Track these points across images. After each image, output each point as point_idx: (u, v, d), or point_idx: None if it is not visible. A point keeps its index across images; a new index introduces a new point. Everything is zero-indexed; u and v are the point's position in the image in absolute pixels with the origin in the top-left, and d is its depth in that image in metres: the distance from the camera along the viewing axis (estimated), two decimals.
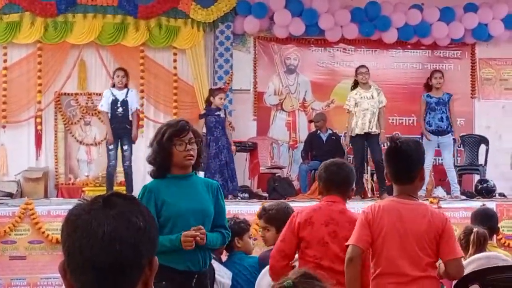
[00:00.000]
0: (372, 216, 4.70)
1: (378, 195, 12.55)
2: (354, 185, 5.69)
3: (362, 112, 12.41)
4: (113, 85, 12.38)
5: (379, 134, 12.44)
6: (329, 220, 5.18)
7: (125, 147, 12.24)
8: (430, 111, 12.84)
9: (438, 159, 13.46)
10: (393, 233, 4.64)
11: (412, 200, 4.76)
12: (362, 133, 12.41)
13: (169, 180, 5.28)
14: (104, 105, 12.29)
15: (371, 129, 12.37)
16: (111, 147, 12.21)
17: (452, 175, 12.88)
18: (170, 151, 5.22)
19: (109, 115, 12.21)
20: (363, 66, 12.90)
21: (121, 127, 12.19)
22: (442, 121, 12.78)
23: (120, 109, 12.15)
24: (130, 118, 12.31)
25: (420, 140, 13.19)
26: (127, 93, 12.28)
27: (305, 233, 5.18)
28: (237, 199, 12.05)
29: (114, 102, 12.17)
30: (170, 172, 5.29)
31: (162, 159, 5.27)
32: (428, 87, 13.03)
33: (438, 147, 12.97)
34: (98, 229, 2.02)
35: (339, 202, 5.31)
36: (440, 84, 12.92)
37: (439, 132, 12.79)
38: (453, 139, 12.94)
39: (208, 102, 12.64)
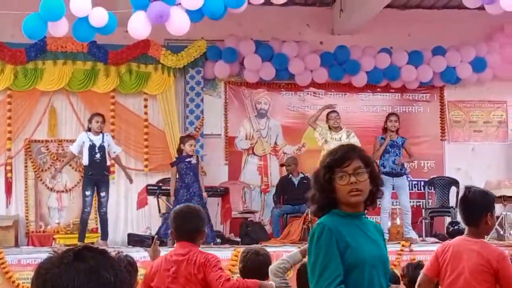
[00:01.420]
0: (442, 250, 5.54)
1: None
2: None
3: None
4: (89, 130, 12.28)
5: None
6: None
7: (103, 194, 12.18)
8: (384, 153, 12.89)
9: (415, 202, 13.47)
10: (452, 264, 5.39)
11: (476, 239, 5.43)
12: None
13: (342, 218, 4.03)
14: (74, 146, 12.26)
15: None
16: (87, 193, 12.09)
17: (408, 216, 12.89)
18: (331, 186, 4.00)
19: (87, 162, 12.09)
20: (333, 111, 12.98)
21: (100, 173, 12.15)
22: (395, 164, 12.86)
23: (98, 155, 12.09)
24: (108, 164, 12.30)
25: None
26: (103, 138, 12.22)
27: (154, 283, 5.67)
28: (210, 245, 11.98)
29: (92, 147, 12.07)
30: (338, 208, 4.04)
31: (323, 196, 4.05)
32: (384, 130, 13.14)
33: (393, 189, 12.97)
34: (68, 284, 2.00)
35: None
36: (395, 127, 12.97)
37: (393, 174, 12.81)
38: (408, 179, 12.97)
39: (179, 150, 12.58)
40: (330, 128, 12.86)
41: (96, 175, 12.12)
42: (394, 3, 14.67)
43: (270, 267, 5.79)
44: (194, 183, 12.22)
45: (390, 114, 13.38)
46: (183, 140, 12.63)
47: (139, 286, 5.99)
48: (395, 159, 12.80)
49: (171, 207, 12.43)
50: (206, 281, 5.51)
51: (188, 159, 12.31)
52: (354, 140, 12.56)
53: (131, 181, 12.81)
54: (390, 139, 12.87)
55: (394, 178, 12.78)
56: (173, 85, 14.46)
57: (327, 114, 12.95)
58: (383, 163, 12.85)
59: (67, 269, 2.02)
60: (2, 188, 13.91)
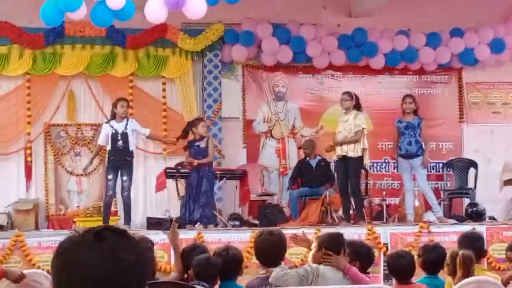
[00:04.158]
0: None
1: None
2: None
3: (334, 136, 12.46)
4: (114, 117, 12.12)
5: (357, 157, 12.34)
6: None
7: (125, 178, 12.06)
8: (400, 136, 12.77)
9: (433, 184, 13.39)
10: None
11: None
12: (337, 157, 12.37)
13: None
14: (101, 139, 12.18)
15: (346, 152, 12.28)
16: (110, 176, 12.03)
17: (430, 196, 12.76)
18: None
19: (109, 147, 12.05)
20: (343, 92, 12.81)
21: (121, 159, 11.99)
22: (411, 145, 12.63)
23: (120, 142, 11.94)
24: (132, 149, 12.14)
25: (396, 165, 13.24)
26: (126, 125, 12.14)
27: None
28: (227, 227, 12.04)
29: (114, 135, 11.93)
30: None
31: None
32: (403, 112, 12.96)
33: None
34: (88, 264, 2.01)
35: None
36: (410, 109, 12.76)
37: (409, 156, 12.68)
38: (422, 162, 12.78)
39: (185, 132, 12.58)
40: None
41: (118, 160, 12.04)
42: None
43: (272, 276, 5.78)
44: (203, 166, 12.25)
45: (405, 96, 13.15)
46: (195, 123, 12.59)
47: None
48: (410, 140, 12.66)
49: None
50: None
51: (197, 143, 12.32)
52: (358, 123, 12.36)
53: (173, 143, 12.93)
54: (406, 121, 12.76)
55: (410, 160, 12.70)
56: (191, 68, 14.48)
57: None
58: (400, 145, 12.77)
59: (87, 249, 2.04)
60: (22, 172, 14.00)
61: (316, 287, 5.60)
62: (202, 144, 12.33)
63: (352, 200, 12.56)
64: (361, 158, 12.38)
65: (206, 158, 12.32)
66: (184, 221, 12.07)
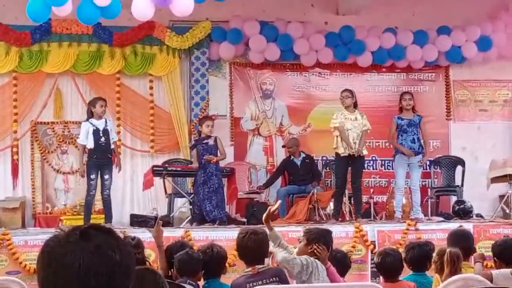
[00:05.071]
0: None
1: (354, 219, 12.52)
2: None
3: (346, 132, 12.37)
4: (91, 115, 12.00)
5: (363, 156, 12.42)
6: None
7: (107, 176, 12.01)
8: (402, 133, 12.75)
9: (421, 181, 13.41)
10: None
11: None
12: (346, 154, 12.32)
13: None
14: (82, 138, 11.99)
15: (356, 151, 12.29)
16: (92, 176, 11.93)
17: (417, 196, 12.81)
18: None
19: (92, 145, 11.86)
20: (344, 90, 12.76)
21: (104, 156, 11.94)
22: (414, 143, 12.68)
23: (103, 139, 11.86)
24: (112, 147, 12.16)
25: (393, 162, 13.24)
26: (105, 122, 12.06)
27: None
28: (215, 225, 12.01)
29: (96, 132, 11.85)
30: None
31: None
32: (400, 109, 13.01)
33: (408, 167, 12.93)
34: (74, 262, 2.00)
35: None
36: (410, 105, 12.84)
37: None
38: (420, 161, 12.82)
39: (198, 132, 12.77)
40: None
41: (101, 158, 11.94)
42: None
43: (282, 257, 5.90)
44: (210, 164, 12.27)
45: (404, 93, 13.21)
46: (200, 121, 12.79)
47: None
48: (413, 138, 12.70)
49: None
50: None
51: (205, 141, 12.40)
52: (365, 123, 12.45)
53: (119, 169, 12.72)
54: (406, 118, 12.78)
55: (410, 157, 12.72)
56: (178, 66, 14.45)
57: (340, 93, 12.83)
58: (401, 142, 12.71)
59: (73, 247, 2.02)
60: (8, 170, 13.95)
61: (320, 284, 5.71)
62: (211, 142, 12.43)
63: (353, 197, 12.63)
64: None
65: (221, 155, 12.56)
66: (200, 218, 12.13)
